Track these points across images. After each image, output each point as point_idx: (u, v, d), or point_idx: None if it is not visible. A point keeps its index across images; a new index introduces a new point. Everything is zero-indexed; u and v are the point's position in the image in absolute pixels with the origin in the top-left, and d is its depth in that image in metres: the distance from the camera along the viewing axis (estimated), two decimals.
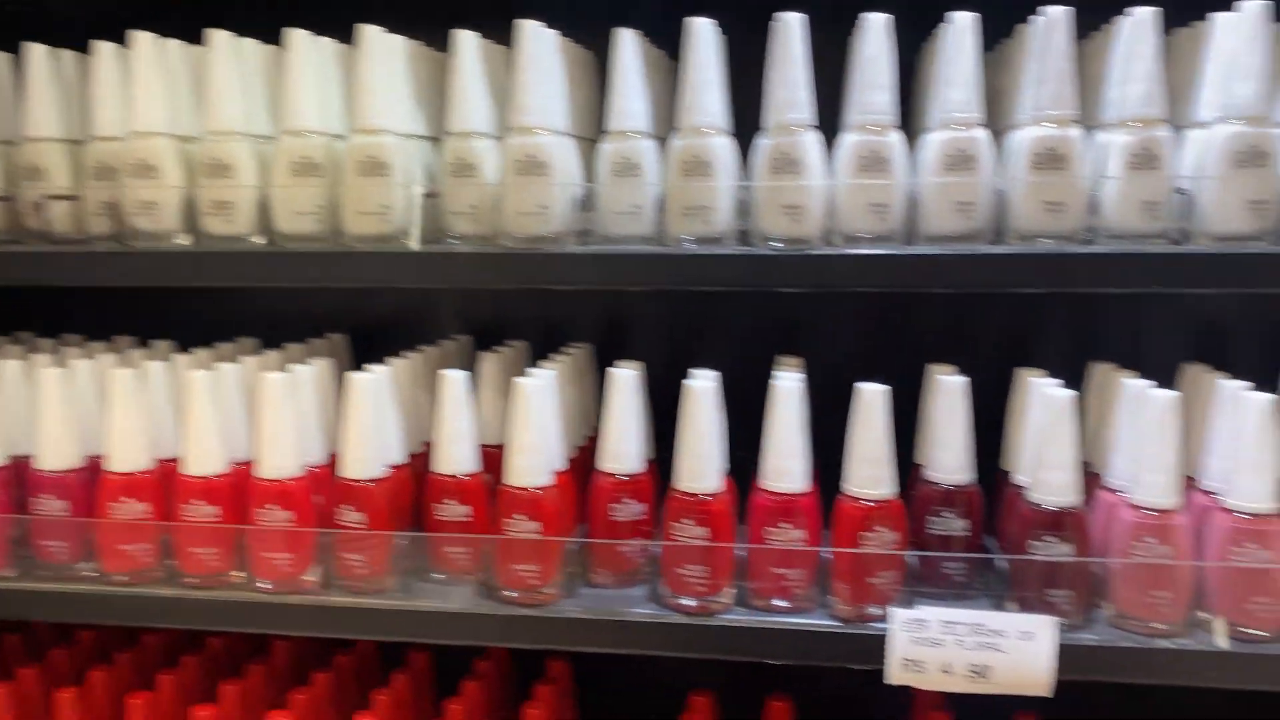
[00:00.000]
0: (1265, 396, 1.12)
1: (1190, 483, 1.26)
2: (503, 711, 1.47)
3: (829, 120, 1.27)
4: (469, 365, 1.49)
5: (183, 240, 1.36)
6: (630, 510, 1.31)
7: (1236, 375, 1.25)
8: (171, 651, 1.59)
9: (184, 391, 1.32)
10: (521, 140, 1.27)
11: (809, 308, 1.71)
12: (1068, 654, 1.15)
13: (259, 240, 1.34)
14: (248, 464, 1.32)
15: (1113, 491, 1.23)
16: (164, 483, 1.33)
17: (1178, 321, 1.65)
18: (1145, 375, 1.26)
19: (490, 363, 1.46)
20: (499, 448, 1.32)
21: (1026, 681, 1.16)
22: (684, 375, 1.26)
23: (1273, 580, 1.14)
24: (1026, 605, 1.18)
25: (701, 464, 1.23)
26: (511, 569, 1.26)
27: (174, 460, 1.34)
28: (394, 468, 1.35)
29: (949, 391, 1.24)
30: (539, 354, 1.57)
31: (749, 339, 1.70)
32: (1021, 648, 1.15)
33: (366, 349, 1.66)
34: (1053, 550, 1.17)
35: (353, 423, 1.29)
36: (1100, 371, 1.38)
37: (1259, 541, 1.13)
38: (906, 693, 1.45)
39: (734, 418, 1.30)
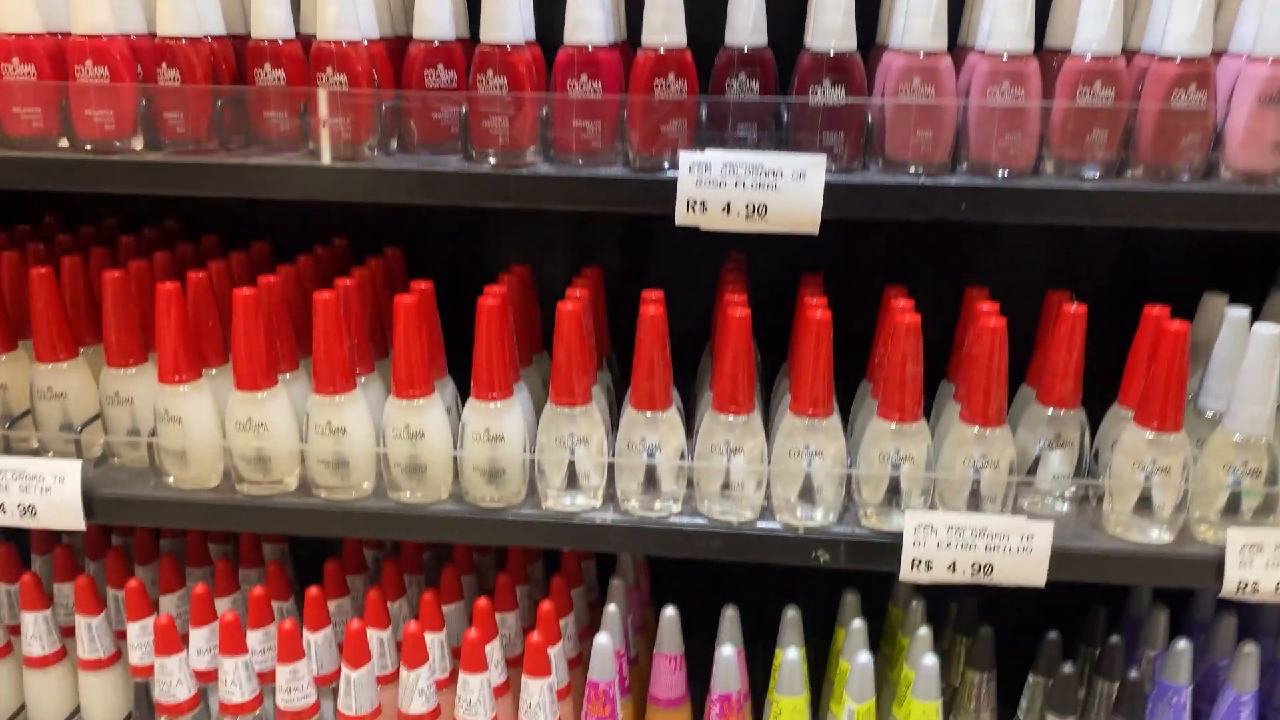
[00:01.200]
0: None
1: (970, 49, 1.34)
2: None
3: None
4: None
5: None
6: (442, 77, 1.35)
7: None
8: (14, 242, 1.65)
9: None
10: None
11: None
12: (837, 191, 1.24)
13: None
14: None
15: (892, 49, 1.30)
16: None
17: None
18: None
19: None
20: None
21: (799, 219, 1.25)
22: None
23: (1025, 118, 1.22)
24: (802, 148, 1.26)
25: (503, 13, 1.27)
26: (327, 124, 1.31)
27: None
28: (215, 38, 1.38)
29: None
30: None
31: None
32: (794, 187, 1.24)
33: None
34: (828, 95, 1.25)
35: None
36: None
37: (1012, 80, 1.21)
38: (715, 255, 1.56)
39: None
